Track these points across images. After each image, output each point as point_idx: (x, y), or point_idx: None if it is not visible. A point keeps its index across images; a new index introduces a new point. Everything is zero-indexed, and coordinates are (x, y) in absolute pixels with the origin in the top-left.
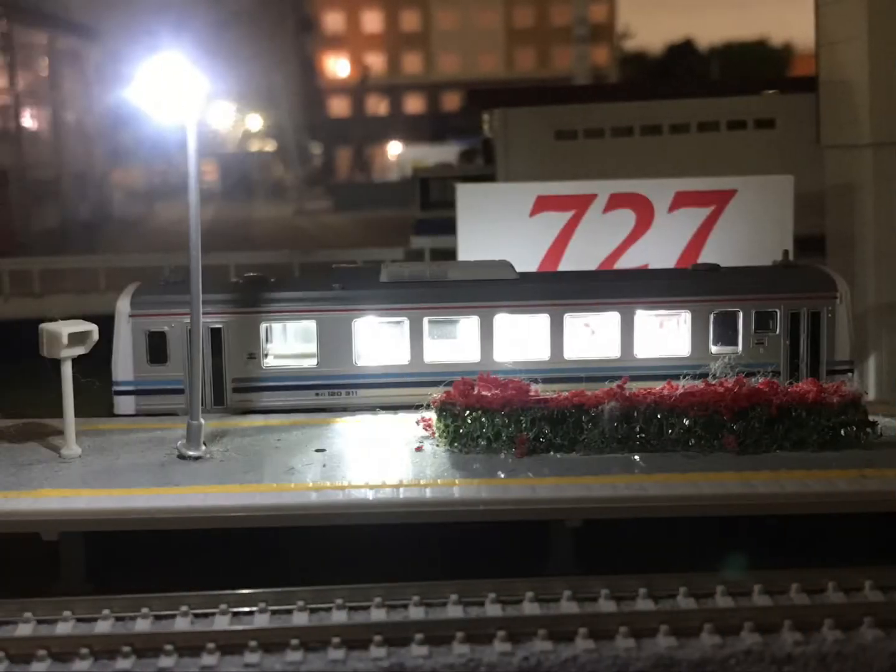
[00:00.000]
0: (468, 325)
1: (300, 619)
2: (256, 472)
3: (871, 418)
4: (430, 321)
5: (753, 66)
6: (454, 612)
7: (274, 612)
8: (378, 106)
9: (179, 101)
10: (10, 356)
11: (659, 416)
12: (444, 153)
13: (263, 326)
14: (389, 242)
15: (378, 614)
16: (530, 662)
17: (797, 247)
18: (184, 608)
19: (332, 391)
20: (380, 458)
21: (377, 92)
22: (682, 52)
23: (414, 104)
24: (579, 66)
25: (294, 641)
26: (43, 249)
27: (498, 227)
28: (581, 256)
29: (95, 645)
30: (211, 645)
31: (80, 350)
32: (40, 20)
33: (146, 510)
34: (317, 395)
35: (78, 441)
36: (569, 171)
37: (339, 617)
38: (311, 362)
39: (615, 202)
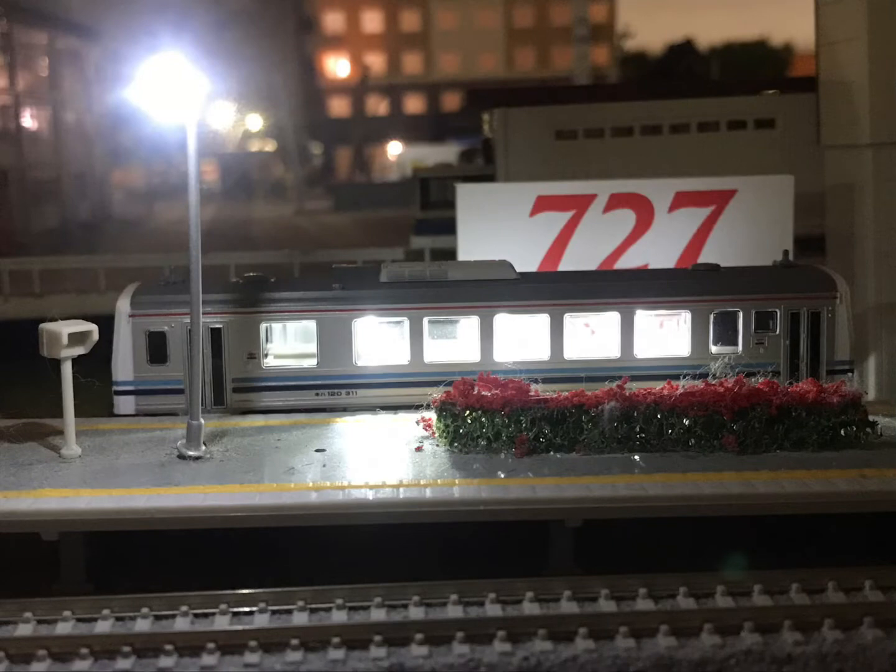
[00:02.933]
0: (468, 325)
1: (300, 619)
2: (256, 472)
3: (871, 418)
4: (430, 321)
5: (753, 66)
6: (454, 612)
7: (274, 612)
8: (378, 106)
9: (179, 101)
10: (10, 356)
11: (659, 416)
12: (444, 153)
13: (263, 326)
14: (389, 242)
15: (378, 614)
16: (530, 662)
17: (797, 247)
18: (184, 608)
19: (332, 391)
20: (380, 458)
21: (377, 92)
22: (682, 52)
23: (414, 104)
24: (579, 66)
25: (294, 641)
26: (43, 249)
27: (498, 227)
28: (581, 256)
29: (95, 645)
30: (211, 645)
31: (80, 350)
32: (40, 20)
33: (146, 510)
34: (317, 395)
35: (78, 441)
36: (569, 171)
37: (339, 617)
38: (311, 362)
39: (615, 202)
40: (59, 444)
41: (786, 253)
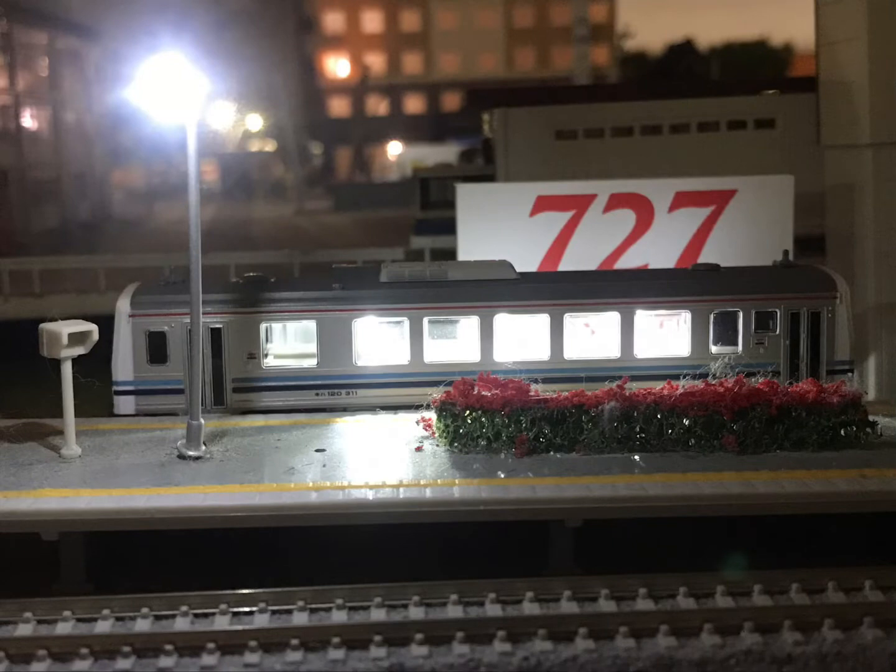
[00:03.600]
0: (468, 325)
1: (300, 619)
2: (256, 472)
3: (871, 418)
4: (430, 321)
5: (753, 66)
6: (454, 612)
7: (274, 612)
8: (378, 106)
9: (179, 101)
10: (10, 356)
11: (659, 416)
12: (444, 153)
13: (263, 326)
14: (389, 242)
15: (378, 614)
16: (530, 662)
17: (797, 247)
18: (184, 608)
19: (332, 391)
20: (380, 458)
21: (377, 92)
22: (682, 52)
23: (414, 104)
24: (579, 66)
25: (294, 641)
26: (43, 249)
27: (498, 227)
28: (581, 256)
29: (95, 645)
30: (211, 645)
31: (80, 350)
32: (40, 20)
33: (146, 510)
34: (317, 395)
35: (78, 441)
36: (569, 171)
37: (339, 617)
38: (311, 362)
39: (615, 202)
40: (59, 444)
41: (786, 253)
